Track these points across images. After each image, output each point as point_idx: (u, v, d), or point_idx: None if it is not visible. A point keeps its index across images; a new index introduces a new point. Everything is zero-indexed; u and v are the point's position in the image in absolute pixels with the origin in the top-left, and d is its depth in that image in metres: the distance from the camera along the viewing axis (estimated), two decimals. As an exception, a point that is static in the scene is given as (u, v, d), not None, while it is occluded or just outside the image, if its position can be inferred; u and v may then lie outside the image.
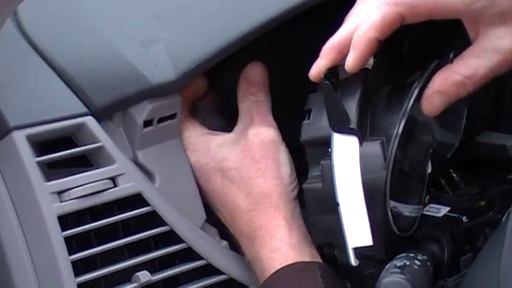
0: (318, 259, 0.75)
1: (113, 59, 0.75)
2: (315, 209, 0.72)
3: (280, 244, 0.74)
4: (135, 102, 0.75)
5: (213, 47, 0.76)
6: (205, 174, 0.78)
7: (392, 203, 0.71)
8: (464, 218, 0.77)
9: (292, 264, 0.73)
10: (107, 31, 0.77)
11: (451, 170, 0.89)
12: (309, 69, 0.72)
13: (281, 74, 0.82)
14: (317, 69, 0.71)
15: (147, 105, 0.75)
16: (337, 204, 0.70)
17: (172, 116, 0.77)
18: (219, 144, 0.78)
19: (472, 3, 0.70)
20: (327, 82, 0.70)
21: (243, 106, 0.80)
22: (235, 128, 0.79)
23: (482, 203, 0.79)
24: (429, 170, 0.78)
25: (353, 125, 0.70)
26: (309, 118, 0.73)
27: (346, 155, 0.70)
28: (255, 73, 0.80)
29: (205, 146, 0.78)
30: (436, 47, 0.76)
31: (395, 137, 0.70)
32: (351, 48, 0.70)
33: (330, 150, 0.71)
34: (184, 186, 0.78)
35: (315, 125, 0.73)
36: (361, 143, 0.70)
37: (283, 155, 0.77)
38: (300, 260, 0.73)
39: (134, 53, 0.76)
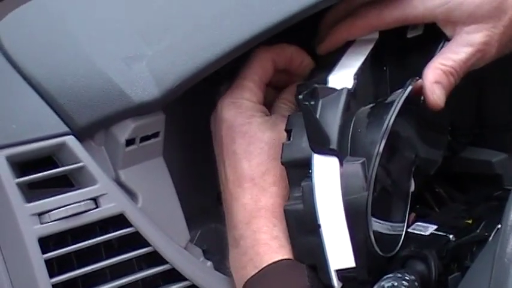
0: None
1: (95, 76, 0.74)
2: (297, 230, 0.72)
3: (281, 235, 0.73)
4: (117, 121, 0.74)
5: (197, 64, 0.75)
6: (235, 133, 0.76)
7: (375, 221, 0.70)
8: (451, 237, 0.76)
9: (284, 260, 0.72)
10: (88, 48, 0.76)
11: (437, 186, 0.89)
12: None
13: None
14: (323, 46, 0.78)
15: (129, 124, 0.74)
16: (319, 226, 0.69)
17: (155, 135, 0.76)
18: (261, 117, 0.77)
19: (437, 7, 0.75)
20: (306, 103, 0.70)
21: (282, 108, 0.79)
22: (273, 115, 0.78)
23: (469, 221, 0.79)
24: (412, 189, 0.77)
25: (333, 145, 0.70)
26: (289, 139, 0.73)
27: (327, 176, 0.70)
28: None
29: (250, 113, 0.76)
30: (415, 66, 0.76)
31: (376, 156, 0.69)
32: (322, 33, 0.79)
33: (310, 171, 0.70)
34: (168, 206, 0.77)
35: (295, 146, 0.72)
36: (341, 164, 0.69)
37: None
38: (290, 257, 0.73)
39: (116, 70, 0.75)
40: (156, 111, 0.75)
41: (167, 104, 0.75)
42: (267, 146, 0.75)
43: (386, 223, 0.73)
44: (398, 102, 0.71)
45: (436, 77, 0.75)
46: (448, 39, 0.77)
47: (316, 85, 0.73)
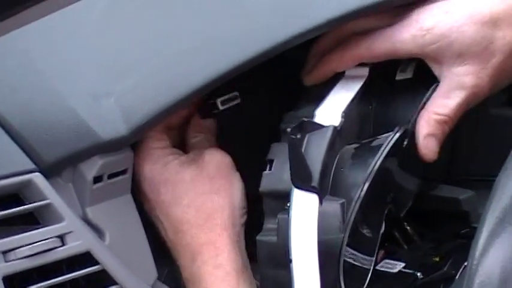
0: None
1: (63, 113, 0.74)
2: (268, 262, 0.71)
3: (225, 263, 0.74)
4: (85, 158, 0.74)
5: (166, 101, 0.75)
6: (157, 185, 0.77)
7: (347, 251, 0.70)
8: (419, 274, 0.77)
9: None
10: (56, 84, 0.76)
11: (405, 223, 0.89)
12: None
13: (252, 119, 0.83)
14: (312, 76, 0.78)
15: (97, 161, 0.74)
16: (290, 261, 0.69)
17: (123, 172, 0.76)
18: (176, 159, 0.77)
19: (427, 45, 0.75)
20: (293, 136, 0.70)
21: (196, 140, 0.80)
22: (190, 153, 0.79)
23: (437, 259, 0.79)
24: (382, 230, 0.77)
25: (315, 183, 0.69)
26: (270, 169, 0.73)
27: (305, 213, 0.69)
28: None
29: (164, 160, 0.77)
30: (401, 108, 0.77)
31: (357, 200, 0.70)
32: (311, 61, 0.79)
33: (288, 204, 0.70)
34: (135, 244, 0.76)
35: (276, 176, 0.72)
36: (321, 202, 0.69)
37: (237, 180, 0.78)
38: (241, 285, 0.73)
39: (84, 107, 0.74)
40: (124, 148, 0.75)
41: (135, 140, 0.75)
42: (191, 184, 0.76)
43: (358, 254, 0.73)
44: (385, 147, 0.72)
45: (430, 129, 0.75)
46: (438, 83, 0.77)
47: (304, 119, 0.73)
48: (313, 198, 0.69)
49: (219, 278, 0.74)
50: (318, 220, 0.68)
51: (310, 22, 0.75)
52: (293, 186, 0.70)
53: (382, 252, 0.80)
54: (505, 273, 0.56)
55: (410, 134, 0.75)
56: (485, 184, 0.62)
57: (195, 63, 0.76)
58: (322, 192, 0.69)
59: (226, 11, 0.79)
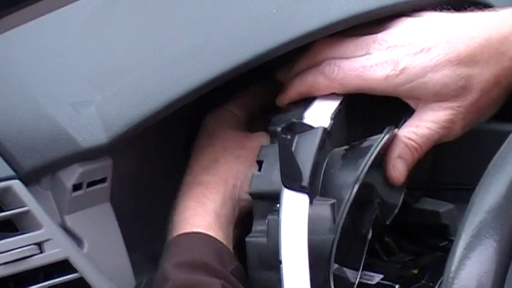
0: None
1: (42, 121, 0.74)
2: (257, 263, 0.71)
3: (209, 203, 0.75)
4: (64, 166, 0.73)
5: (146, 110, 0.75)
6: (208, 130, 0.80)
7: (336, 266, 0.70)
8: (397, 286, 0.77)
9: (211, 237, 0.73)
10: (36, 92, 0.76)
11: (386, 236, 0.89)
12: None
13: None
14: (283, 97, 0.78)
15: (76, 169, 0.74)
16: (280, 262, 0.68)
17: (102, 180, 0.75)
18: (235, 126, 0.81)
19: (401, 85, 0.74)
20: (284, 136, 0.70)
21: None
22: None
23: (415, 271, 0.79)
24: (369, 236, 0.77)
25: (305, 183, 0.69)
26: (260, 170, 0.73)
27: (295, 213, 0.69)
28: None
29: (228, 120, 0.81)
30: (391, 110, 0.77)
31: (347, 201, 0.69)
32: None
33: (278, 205, 0.70)
34: (114, 252, 0.76)
35: (265, 177, 0.72)
36: (311, 203, 0.69)
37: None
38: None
39: (64, 115, 0.74)
40: (104, 157, 0.75)
41: (115, 149, 0.75)
42: (231, 144, 0.78)
43: (346, 268, 0.73)
44: (375, 148, 0.72)
45: (400, 152, 0.75)
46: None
47: (294, 120, 0.73)
48: (304, 198, 0.69)
49: (197, 213, 0.74)
50: (308, 221, 0.68)
51: (297, 31, 0.76)
52: (283, 187, 0.70)
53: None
54: (480, 287, 0.56)
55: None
56: (465, 197, 0.63)
57: (175, 72, 0.76)
58: (312, 193, 0.69)
59: (209, 20, 0.79)
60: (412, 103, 0.75)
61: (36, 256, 0.71)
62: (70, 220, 0.74)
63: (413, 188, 0.88)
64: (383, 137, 0.73)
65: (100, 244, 0.75)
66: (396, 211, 0.81)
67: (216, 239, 0.74)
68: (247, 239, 0.72)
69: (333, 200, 0.69)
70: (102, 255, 0.75)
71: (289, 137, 0.71)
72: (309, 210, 0.69)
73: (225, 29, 0.78)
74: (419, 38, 0.74)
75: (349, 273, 0.74)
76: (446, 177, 0.90)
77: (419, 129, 0.75)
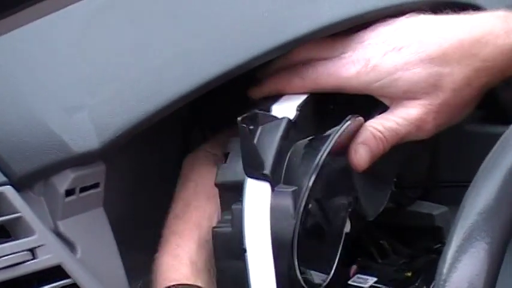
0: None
1: (35, 126, 0.74)
2: (224, 253, 0.72)
3: (184, 254, 0.75)
4: (57, 171, 0.73)
5: (138, 115, 0.75)
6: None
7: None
8: (389, 290, 0.77)
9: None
10: (28, 97, 0.76)
11: (381, 238, 0.89)
12: None
13: None
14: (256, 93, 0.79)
15: (69, 174, 0.73)
16: (245, 250, 0.69)
17: (95, 185, 0.75)
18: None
19: (372, 82, 0.75)
20: (244, 126, 0.70)
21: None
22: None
23: (409, 274, 0.79)
24: (347, 229, 0.77)
25: (267, 171, 0.70)
26: (225, 162, 0.73)
27: (257, 201, 0.70)
28: None
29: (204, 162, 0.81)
30: (365, 106, 0.77)
31: (307, 187, 0.70)
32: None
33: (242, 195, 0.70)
34: (107, 258, 0.76)
35: (230, 169, 0.73)
36: (273, 190, 0.70)
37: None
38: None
39: (57, 120, 0.74)
40: (97, 162, 0.75)
41: (109, 154, 0.75)
42: (200, 188, 0.78)
43: (314, 272, 0.73)
44: (334, 136, 0.72)
45: (364, 138, 0.75)
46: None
47: (256, 111, 0.74)
48: (265, 186, 0.70)
49: (172, 267, 0.74)
50: (271, 208, 0.69)
51: (288, 35, 0.76)
52: (245, 176, 0.70)
53: (354, 267, 0.80)
54: (472, 289, 0.56)
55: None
56: (460, 198, 0.63)
57: (167, 77, 0.76)
58: (274, 181, 0.70)
59: (200, 24, 0.79)
60: (385, 101, 0.76)
61: (29, 262, 0.71)
62: (63, 226, 0.74)
63: (410, 187, 0.88)
64: (344, 124, 0.73)
65: (93, 250, 0.75)
66: (382, 208, 0.81)
67: (194, 286, 0.74)
68: (213, 229, 0.72)
69: (294, 187, 0.70)
70: (96, 260, 0.75)
71: (251, 127, 0.72)
72: (270, 198, 0.69)
73: (216, 32, 0.78)
74: (392, 37, 0.75)
75: (316, 276, 0.74)
76: (443, 176, 0.90)
77: (387, 122, 0.75)
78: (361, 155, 0.74)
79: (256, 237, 0.69)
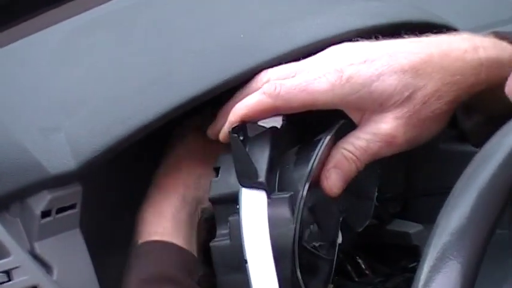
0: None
1: (10, 147, 0.74)
2: (224, 267, 0.71)
3: (171, 211, 0.76)
4: (33, 192, 0.73)
5: (115, 136, 0.75)
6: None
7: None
8: (366, 308, 0.77)
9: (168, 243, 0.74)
10: (4, 118, 0.76)
11: (358, 257, 0.90)
12: None
13: None
14: (214, 129, 0.76)
15: (45, 196, 0.74)
16: (246, 261, 0.68)
17: (72, 206, 0.75)
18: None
19: (347, 95, 0.72)
20: (235, 135, 0.71)
21: None
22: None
23: (385, 292, 0.80)
24: (339, 240, 0.77)
25: (261, 178, 0.70)
26: (217, 176, 0.73)
27: (254, 210, 0.70)
28: None
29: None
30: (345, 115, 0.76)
31: (303, 191, 0.70)
32: (218, 116, 0.76)
33: (238, 206, 0.70)
34: (84, 279, 0.76)
35: (223, 182, 0.73)
36: (269, 198, 0.70)
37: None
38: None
39: (33, 141, 0.74)
40: (73, 183, 0.75)
41: (85, 175, 0.75)
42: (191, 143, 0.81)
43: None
44: (324, 139, 0.72)
45: (335, 162, 0.73)
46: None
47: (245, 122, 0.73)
48: (261, 194, 0.70)
49: (154, 221, 0.76)
50: (268, 215, 0.69)
51: (264, 56, 0.77)
52: (240, 186, 0.70)
53: (331, 286, 0.80)
54: (445, 309, 0.56)
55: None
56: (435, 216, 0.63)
57: (144, 98, 0.76)
58: (269, 189, 0.70)
59: (177, 46, 0.80)
60: (355, 117, 0.74)
61: (5, 284, 0.71)
62: (39, 247, 0.74)
63: (389, 199, 0.88)
64: (333, 128, 0.73)
65: (69, 271, 0.75)
66: (368, 221, 0.81)
67: (175, 245, 0.74)
68: (211, 244, 0.72)
69: (291, 193, 0.70)
70: (72, 282, 0.75)
71: (241, 138, 0.72)
72: (267, 206, 0.69)
73: (192, 54, 0.78)
74: (361, 51, 0.73)
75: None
76: (420, 186, 0.91)
77: (358, 140, 0.73)
78: (332, 181, 0.73)
79: (257, 246, 0.68)
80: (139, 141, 0.76)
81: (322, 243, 0.74)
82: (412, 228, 0.88)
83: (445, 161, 0.86)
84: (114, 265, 0.81)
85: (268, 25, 0.80)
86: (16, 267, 0.72)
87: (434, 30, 0.77)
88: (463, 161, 0.61)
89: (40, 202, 0.73)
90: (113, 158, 0.75)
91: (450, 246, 0.58)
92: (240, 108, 0.73)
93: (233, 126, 0.73)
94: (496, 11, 0.97)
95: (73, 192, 0.75)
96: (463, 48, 0.74)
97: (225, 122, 0.74)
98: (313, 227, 0.73)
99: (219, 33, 0.81)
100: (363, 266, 0.89)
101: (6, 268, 0.71)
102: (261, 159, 0.71)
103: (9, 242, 0.72)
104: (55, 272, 0.74)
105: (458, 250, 0.57)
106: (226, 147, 0.75)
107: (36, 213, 0.73)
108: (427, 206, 0.89)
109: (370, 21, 0.80)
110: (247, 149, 0.71)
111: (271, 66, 0.77)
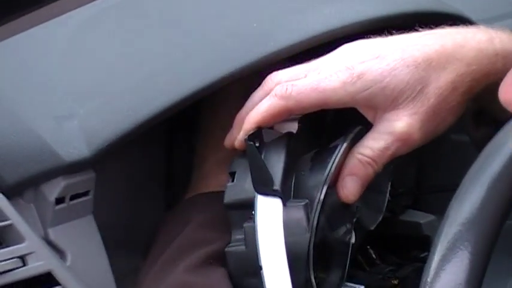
0: None
1: (25, 134, 0.74)
2: (239, 272, 0.72)
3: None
4: (47, 179, 0.74)
5: (129, 124, 0.75)
6: None
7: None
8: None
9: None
10: (19, 106, 0.76)
11: (369, 247, 0.90)
12: None
13: None
14: (230, 138, 0.75)
15: (59, 182, 0.74)
16: (260, 268, 0.69)
17: (85, 193, 0.76)
18: None
19: (359, 92, 0.71)
20: (251, 143, 0.71)
21: None
22: None
23: (395, 282, 0.80)
24: (353, 240, 0.77)
25: (277, 186, 0.70)
26: (232, 181, 0.73)
27: (270, 217, 0.70)
28: None
29: None
30: (359, 116, 0.76)
31: (319, 200, 0.70)
32: (234, 125, 0.75)
33: (253, 212, 0.70)
34: (97, 265, 0.77)
35: (238, 187, 0.73)
36: (285, 205, 0.70)
37: None
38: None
39: (47, 129, 0.75)
40: (87, 170, 0.75)
41: (98, 162, 0.76)
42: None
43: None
44: (341, 146, 0.72)
45: (351, 169, 0.72)
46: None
47: (260, 128, 0.73)
48: (277, 202, 0.70)
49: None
50: (284, 223, 0.69)
51: (277, 45, 0.77)
52: (256, 193, 0.70)
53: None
54: (455, 298, 0.57)
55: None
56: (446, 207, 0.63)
57: (157, 86, 0.77)
58: (285, 196, 0.70)
59: (190, 35, 0.80)
60: (369, 115, 0.73)
61: (19, 269, 0.71)
62: (53, 233, 0.75)
63: (399, 194, 0.89)
64: (349, 134, 0.73)
65: (83, 257, 0.76)
66: (380, 218, 0.82)
67: None
68: (226, 249, 0.72)
69: (306, 201, 0.70)
70: (85, 267, 0.75)
71: (257, 144, 0.72)
72: (283, 213, 0.70)
73: (206, 43, 0.79)
74: (374, 47, 0.72)
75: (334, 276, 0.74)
76: (430, 184, 0.91)
77: (375, 142, 0.72)
78: (349, 190, 0.72)
79: (272, 253, 0.69)
80: (153, 128, 0.76)
81: (335, 242, 0.75)
82: (423, 218, 0.88)
83: (456, 152, 0.87)
84: (126, 252, 0.82)
85: (281, 14, 0.80)
86: (30, 253, 0.72)
87: (449, 23, 0.77)
88: (474, 151, 0.62)
89: (54, 189, 0.74)
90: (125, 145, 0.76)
91: (460, 236, 0.58)
92: (254, 114, 0.73)
93: (248, 133, 0.72)
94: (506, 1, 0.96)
95: (87, 179, 0.76)
96: (478, 39, 0.73)
97: (239, 131, 0.73)
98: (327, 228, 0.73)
99: (232, 23, 0.81)
100: (374, 256, 0.89)
101: (20, 254, 0.72)
102: (277, 166, 0.71)
103: (24, 228, 0.72)
104: (68, 257, 0.75)
105: (468, 240, 0.57)
106: None
107: (50, 199, 0.74)
108: (439, 199, 0.89)
109: (383, 11, 0.80)
110: (263, 155, 0.71)
111: (284, 56, 0.77)
